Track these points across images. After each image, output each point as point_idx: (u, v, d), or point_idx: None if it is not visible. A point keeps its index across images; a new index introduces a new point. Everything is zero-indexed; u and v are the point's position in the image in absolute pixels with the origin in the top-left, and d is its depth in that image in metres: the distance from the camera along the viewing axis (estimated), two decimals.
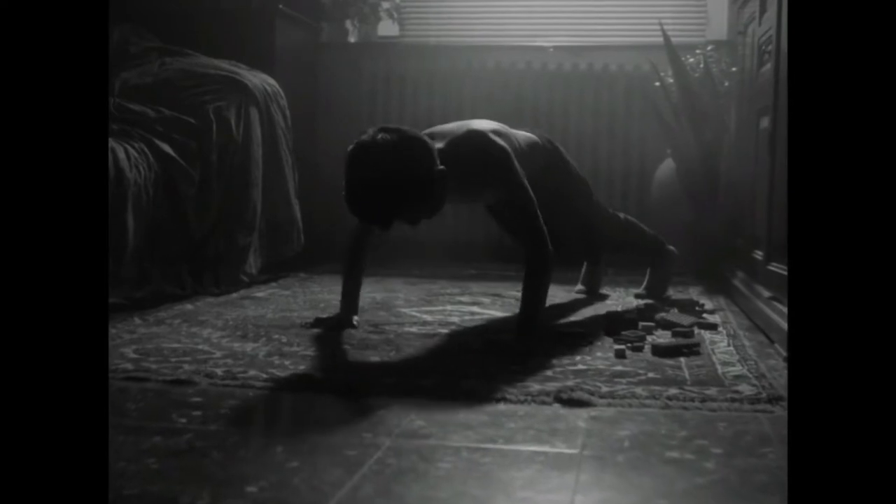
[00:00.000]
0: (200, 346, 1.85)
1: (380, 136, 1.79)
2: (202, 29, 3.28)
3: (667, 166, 3.43)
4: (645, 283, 2.71)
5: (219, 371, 1.62)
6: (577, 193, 2.47)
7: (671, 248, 2.70)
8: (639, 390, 1.52)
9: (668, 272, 2.70)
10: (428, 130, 2.10)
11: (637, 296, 2.66)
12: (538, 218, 2.02)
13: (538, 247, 2.01)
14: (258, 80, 2.98)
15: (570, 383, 1.55)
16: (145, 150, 2.47)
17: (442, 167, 1.87)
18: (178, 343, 1.89)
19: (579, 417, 1.38)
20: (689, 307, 2.41)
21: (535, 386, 1.54)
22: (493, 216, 2.53)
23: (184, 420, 1.33)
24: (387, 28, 3.92)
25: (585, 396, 1.46)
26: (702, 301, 2.54)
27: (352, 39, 3.93)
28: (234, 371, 1.63)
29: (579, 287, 2.76)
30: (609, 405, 1.44)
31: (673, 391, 1.51)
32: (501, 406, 1.44)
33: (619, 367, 1.71)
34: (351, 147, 1.82)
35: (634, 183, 3.65)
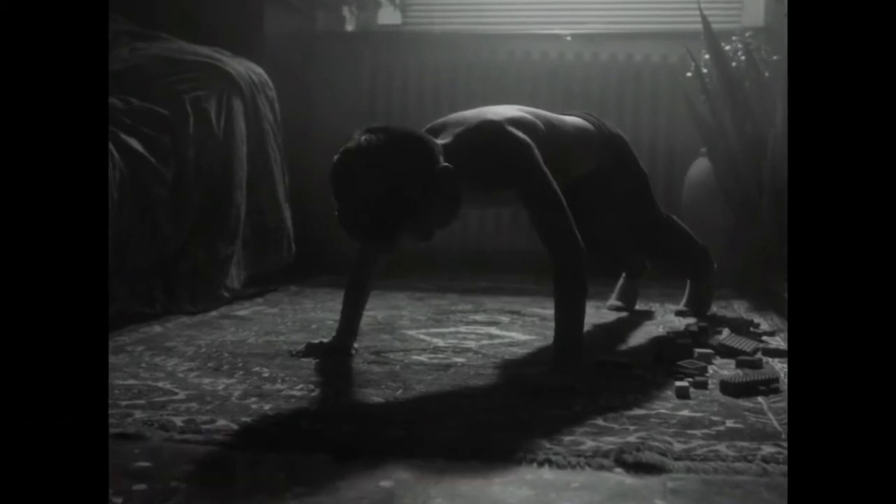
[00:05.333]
0: (161, 384, 1.50)
1: (364, 138, 1.51)
2: (183, 13, 2.95)
3: (700, 166, 3.10)
4: (686, 297, 2.36)
5: (178, 421, 1.27)
6: (633, 194, 2.12)
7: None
8: (723, 448, 1.17)
9: (711, 285, 2.36)
10: (440, 120, 1.80)
11: (678, 313, 2.31)
12: (566, 219, 1.67)
13: (567, 250, 1.66)
14: (243, 67, 2.64)
15: (631, 438, 1.20)
16: (109, 145, 2.12)
17: (447, 165, 1.56)
18: (135, 379, 1.53)
19: (654, 491, 1.03)
20: (743, 327, 2.06)
21: (587, 442, 1.19)
22: None
23: (118, 501, 0.98)
24: (388, 15, 3.63)
25: (657, 459, 1.11)
26: (755, 319, 2.20)
27: (350, 28, 3.63)
28: (197, 420, 1.27)
29: (613, 302, 2.40)
30: (688, 471, 1.09)
31: (767, 449, 1.16)
32: (547, 473, 1.09)
33: (687, 412, 1.36)
34: (336, 157, 1.54)
35: (662, 185, 3.30)
